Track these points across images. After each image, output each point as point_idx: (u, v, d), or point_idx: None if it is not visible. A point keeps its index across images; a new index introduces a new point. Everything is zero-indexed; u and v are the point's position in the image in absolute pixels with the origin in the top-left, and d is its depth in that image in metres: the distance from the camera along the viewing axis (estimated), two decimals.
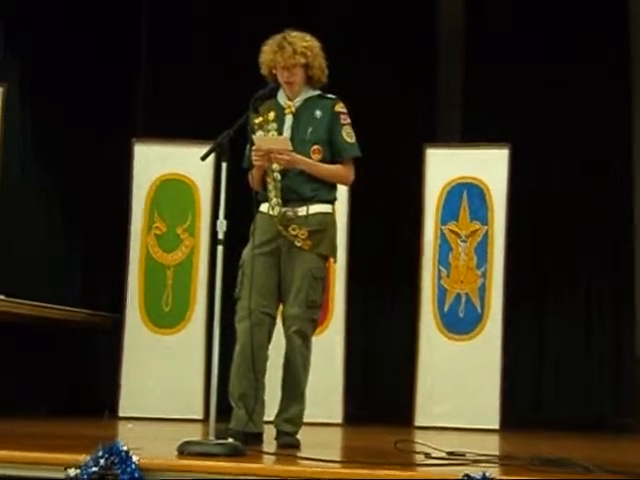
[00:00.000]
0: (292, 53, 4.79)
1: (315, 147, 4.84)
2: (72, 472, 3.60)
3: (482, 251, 7.29)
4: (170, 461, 3.78)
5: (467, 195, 7.36)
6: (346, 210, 7.22)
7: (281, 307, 4.90)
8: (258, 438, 4.71)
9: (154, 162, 7.44)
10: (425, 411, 7.14)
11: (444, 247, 7.35)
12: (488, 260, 7.26)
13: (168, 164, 7.43)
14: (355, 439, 6.34)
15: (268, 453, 4.30)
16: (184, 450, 3.97)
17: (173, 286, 7.32)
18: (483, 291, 7.23)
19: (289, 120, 4.87)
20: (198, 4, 8.61)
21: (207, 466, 3.70)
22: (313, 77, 4.90)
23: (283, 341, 4.85)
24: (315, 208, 4.82)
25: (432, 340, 7.26)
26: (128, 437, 5.36)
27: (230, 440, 4.17)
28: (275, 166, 4.78)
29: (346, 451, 5.36)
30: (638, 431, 7.46)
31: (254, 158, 4.73)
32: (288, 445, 4.66)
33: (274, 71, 4.88)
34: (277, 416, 4.87)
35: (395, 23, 8.49)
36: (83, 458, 3.62)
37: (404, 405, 7.31)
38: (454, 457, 4.20)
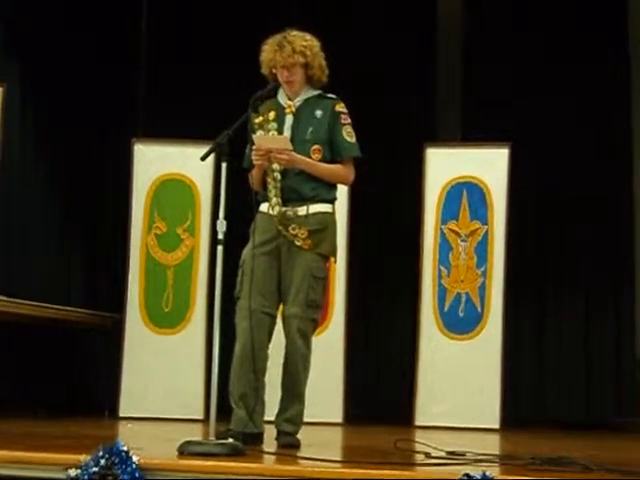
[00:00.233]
0: (291, 52, 4.79)
1: (315, 147, 4.84)
2: (72, 472, 3.60)
3: (482, 250, 7.29)
4: (170, 461, 3.78)
5: (467, 194, 7.36)
6: (346, 209, 7.22)
7: (281, 307, 4.90)
8: (258, 438, 4.71)
9: (154, 162, 7.45)
10: (425, 411, 7.15)
11: (444, 246, 7.35)
12: (488, 259, 7.26)
13: (168, 164, 7.44)
14: (355, 439, 6.34)
15: (268, 453, 4.30)
16: (184, 450, 3.97)
17: (173, 286, 7.32)
18: (483, 290, 7.24)
19: (289, 120, 4.87)
20: (197, 4, 8.61)
21: (207, 466, 3.70)
22: (313, 77, 4.89)
23: (283, 340, 4.85)
24: (315, 208, 4.82)
25: (432, 339, 7.26)
26: (128, 437, 5.36)
27: (230, 440, 4.17)
28: (275, 166, 4.77)
29: (346, 451, 5.36)
30: (638, 431, 7.45)
31: (254, 157, 4.73)
32: (288, 445, 4.65)
33: (274, 70, 4.88)
34: (277, 416, 4.87)
35: (395, 22, 8.49)
36: (83, 458, 3.62)
37: (404, 405, 7.32)
38: (454, 457, 4.20)
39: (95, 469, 3.57)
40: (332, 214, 4.91)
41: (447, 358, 7.18)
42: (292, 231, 4.78)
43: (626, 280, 8.15)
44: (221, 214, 4.30)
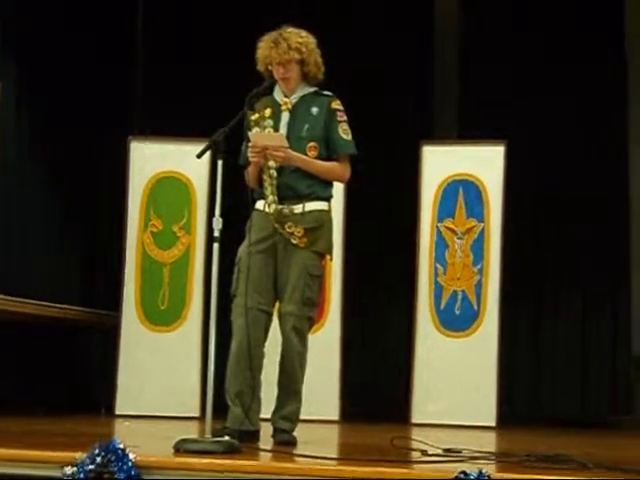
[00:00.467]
0: (287, 49, 4.78)
1: (311, 144, 4.83)
2: (69, 470, 3.59)
3: (478, 248, 7.29)
4: (166, 459, 3.78)
5: (463, 192, 7.36)
6: (343, 207, 7.23)
7: (277, 304, 4.90)
8: (254, 436, 4.71)
9: (150, 160, 7.44)
10: (421, 408, 7.15)
11: (440, 244, 7.36)
12: (484, 257, 7.26)
13: (164, 162, 7.43)
14: (351, 436, 6.35)
15: (264, 450, 4.31)
16: (180, 448, 3.96)
17: (169, 284, 7.32)
18: (479, 288, 7.24)
19: (285, 117, 4.87)
20: (194, 2, 8.60)
21: (203, 463, 3.70)
22: (309, 73, 4.89)
23: (279, 338, 4.85)
24: (311, 205, 4.82)
25: (428, 337, 7.26)
26: (125, 435, 5.35)
27: (226, 438, 4.17)
28: (271, 163, 4.77)
29: (342, 448, 5.37)
30: (634, 428, 7.47)
31: (250, 155, 4.73)
32: (284, 442, 4.66)
33: (270, 67, 4.87)
34: (274, 413, 4.87)
35: (392, 21, 8.49)
36: (80, 456, 3.62)
37: (401, 402, 7.32)
38: (450, 454, 4.20)
39: (91, 467, 3.57)
40: (328, 212, 4.91)
41: (443, 356, 7.18)
42: (288, 229, 4.78)
43: (622, 279, 8.16)
44: (217, 212, 4.29)
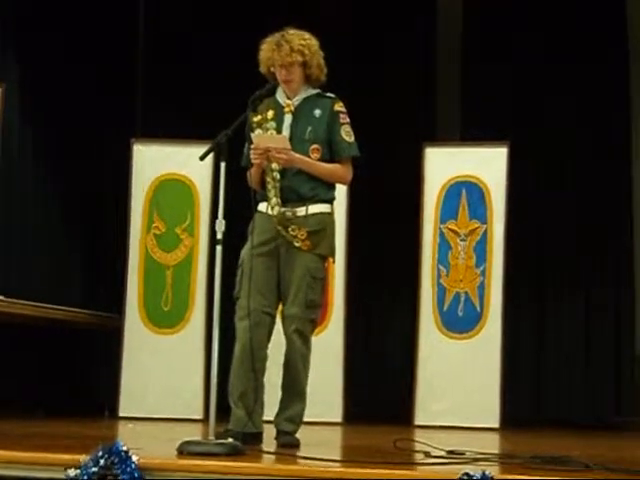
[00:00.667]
0: (289, 51, 4.78)
1: (314, 146, 4.83)
2: (72, 472, 3.59)
3: (481, 250, 7.29)
4: (170, 461, 3.78)
5: (466, 194, 7.36)
6: (345, 209, 7.23)
7: (280, 306, 4.90)
8: (258, 438, 4.71)
9: (153, 162, 7.45)
10: (425, 410, 7.15)
11: (443, 246, 7.35)
12: (487, 259, 7.26)
13: (167, 164, 7.44)
14: (355, 438, 6.34)
15: (268, 452, 4.30)
16: (184, 450, 3.96)
17: (172, 286, 7.32)
18: (482, 290, 7.23)
19: (288, 119, 4.87)
20: (196, 4, 8.60)
21: (207, 466, 3.70)
22: (311, 76, 4.89)
23: (283, 340, 4.85)
24: (314, 208, 4.82)
25: (431, 339, 7.26)
26: (128, 437, 5.36)
27: (230, 440, 4.17)
28: (274, 165, 4.77)
29: (346, 450, 5.36)
30: (638, 430, 7.46)
31: (253, 156, 4.73)
32: (288, 444, 4.65)
33: (272, 69, 4.87)
34: (277, 415, 4.87)
35: (394, 22, 8.49)
36: (83, 458, 3.62)
37: (404, 404, 7.31)
38: (454, 456, 4.20)
39: (94, 469, 3.57)
40: (331, 214, 4.91)
41: (446, 357, 7.18)
42: (291, 232, 4.78)
43: (625, 279, 8.15)
44: (220, 214, 4.29)
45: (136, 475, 3.57)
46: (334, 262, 5.24)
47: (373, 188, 7.84)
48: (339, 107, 4.91)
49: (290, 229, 4.78)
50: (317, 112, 4.88)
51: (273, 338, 4.86)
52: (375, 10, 8.48)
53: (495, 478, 3.45)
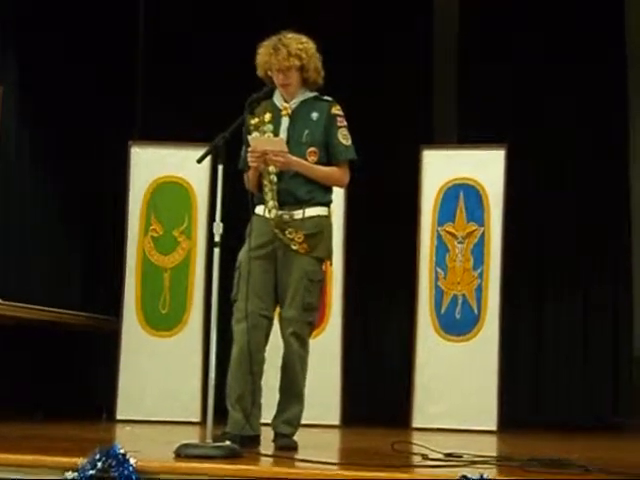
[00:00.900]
0: (287, 55, 4.78)
1: (311, 149, 4.84)
2: (70, 475, 3.60)
3: (479, 252, 7.29)
4: (167, 464, 3.78)
5: (464, 196, 7.36)
6: (343, 211, 7.22)
7: (278, 309, 4.90)
8: (255, 440, 4.71)
9: (151, 165, 7.44)
10: (422, 412, 7.14)
11: (441, 248, 7.35)
12: (485, 261, 7.26)
13: (164, 167, 7.44)
14: (353, 441, 6.34)
15: (265, 455, 4.31)
16: (181, 453, 3.97)
17: (170, 289, 7.32)
18: (480, 292, 7.23)
19: (285, 122, 4.87)
20: (196, 6, 8.61)
21: (204, 468, 3.71)
22: (309, 79, 4.89)
23: (281, 343, 4.85)
24: (311, 211, 4.82)
25: (429, 342, 7.26)
26: (125, 440, 5.35)
27: (227, 443, 4.17)
28: (271, 168, 4.77)
29: (344, 453, 5.37)
30: (636, 431, 7.46)
31: (250, 159, 4.73)
32: (285, 447, 4.65)
33: (270, 73, 4.88)
34: (275, 418, 4.87)
35: (391, 24, 8.49)
36: (80, 461, 3.62)
37: (402, 406, 7.31)
38: (451, 458, 4.21)
39: (92, 472, 3.57)
40: (328, 217, 4.91)
41: (444, 360, 7.18)
42: (288, 235, 4.78)
43: (623, 281, 8.16)
44: (217, 216, 4.30)
45: (134, 478, 3.57)
46: (331, 265, 5.24)
47: (371, 190, 7.84)
48: (336, 110, 4.91)
49: (287, 232, 4.78)
50: (314, 115, 4.89)
51: (271, 341, 4.86)
52: (372, 11, 8.48)
53: None
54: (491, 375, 7.09)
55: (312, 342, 4.94)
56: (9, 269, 7.16)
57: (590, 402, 7.99)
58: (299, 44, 4.82)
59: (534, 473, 3.72)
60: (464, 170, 7.40)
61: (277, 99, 4.92)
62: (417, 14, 8.61)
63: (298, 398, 4.87)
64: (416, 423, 7.12)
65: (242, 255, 4.82)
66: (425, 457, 4.25)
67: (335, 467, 3.88)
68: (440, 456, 4.27)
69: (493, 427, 6.98)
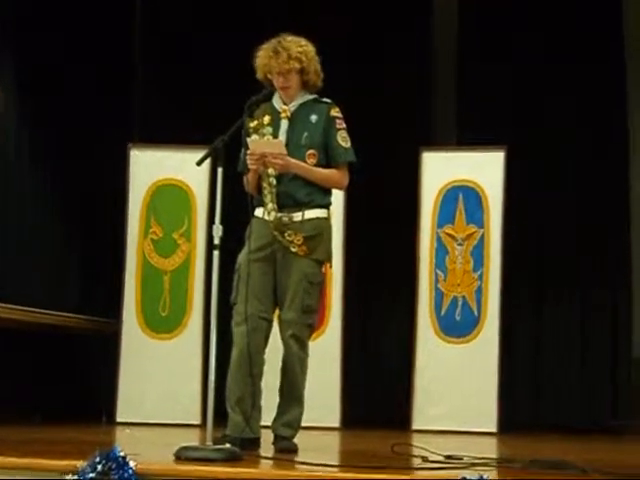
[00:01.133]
0: (287, 58, 4.78)
1: (310, 152, 4.84)
2: (69, 478, 3.59)
3: (478, 254, 7.29)
4: (167, 466, 3.79)
5: (463, 198, 7.36)
6: (343, 213, 7.23)
7: (277, 311, 4.90)
8: (255, 443, 4.71)
9: (150, 167, 7.45)
10: (423, 415, 7.15)
11: (440, 250, 7.36)
12: (484, 263, 7.26)
13: (164, 169, 7.44)
14: (352, 443, 6.34)
15: (265, 458, 4.31)
16: (181, 455, 3.97)
17: (170, 291, 7.32)
18: (480, 294, 7.24)
19: (284, 124, 4.87)
20: (195, 8, 8.61)
21: (204, 471, 3.70)
22: (308, 82, 4.89)
23: (281, 345, 4.85)
24: (310, 213, 4.82)
25: (429, 343, 7.26)
26: (125, 442, 5.35)
27: (227, 445, 4.17)
28: (271, 171, 4.77)
29: (344, 455, 5.37)
30: (636, 433, 7.46)
31: (249, 162, 4.73)
32: (285, 449, 4.66)
33: (269, 76, 4.88)
34: (275, 420, 4.87)
35: (390, 25, 8.49)
36: (80, 464, 3.62)
37: (401, 409, 7.31)
38: (451, 460, 4.21)
39: (92, 475, 3.57)
40: (327, 219, 4.91)
41: (444, 362, 7.18)
42: (288, 237, 4.78)
43: (622, 282, 8.15)
44: (217, 219, 4.30)
45: None
46: (331, 267, 5.24)
47: (370, 192, 7.84)
48: (335, 112, 4.91)
49: (286, 234, 4.78)
50: (313, 117, 4.89)
51: (270, 343, 4.86)
52: (371, 11, 8.47)
53: None
54: (491, 377, 7.09)
55: (312, 344, 4.94)
56: (8, 270, 7.15)
57: (589, 404, 7.98)
58: (299, 47, 4.82)
59: (534, 475, 3.72)
60: (463, 172, 7.40)
61: (276, 101, 4.93)
62: (416, 14, 8.60)
63: (298, 400, 4.87)
64: (416, 425, 7.13)
65: (241, 257, 4.82)
66: (425, 459, 4.24)
67: (335, 469, 3.88)
68: (440, 458, 4.28)
69: (493, 429, 6.99)
